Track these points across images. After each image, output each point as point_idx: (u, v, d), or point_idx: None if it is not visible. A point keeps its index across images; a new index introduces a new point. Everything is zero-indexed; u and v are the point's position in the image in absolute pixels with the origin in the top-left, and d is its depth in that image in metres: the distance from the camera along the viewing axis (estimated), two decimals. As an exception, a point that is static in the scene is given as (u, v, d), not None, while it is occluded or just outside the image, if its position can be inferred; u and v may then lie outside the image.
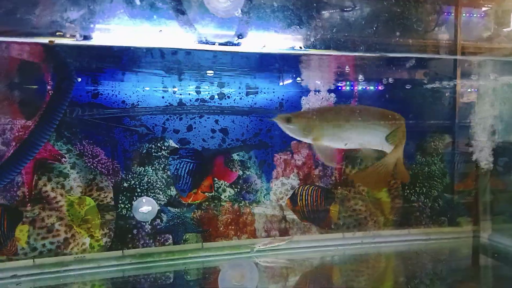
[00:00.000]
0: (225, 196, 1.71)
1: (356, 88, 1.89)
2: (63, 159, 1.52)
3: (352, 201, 1.82)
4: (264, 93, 1.77)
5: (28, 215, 1.49)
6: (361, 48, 1.68)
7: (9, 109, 1.45)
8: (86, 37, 1.30)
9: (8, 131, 1.46)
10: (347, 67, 1.85)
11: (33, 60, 1.46)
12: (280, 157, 1.78)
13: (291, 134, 1.36)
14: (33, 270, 1.48)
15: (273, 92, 1.78)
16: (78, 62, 1.43)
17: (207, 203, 1.70)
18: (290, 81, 1.79)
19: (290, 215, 1.77)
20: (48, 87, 1.50)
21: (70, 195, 1.54)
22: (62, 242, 1.52)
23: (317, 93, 1.82)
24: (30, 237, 1.49)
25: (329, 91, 1.83)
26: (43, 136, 1.24)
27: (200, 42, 1.47)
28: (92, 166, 1.56)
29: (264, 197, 1.76)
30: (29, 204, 1.49)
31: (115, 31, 1.38)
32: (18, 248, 1.47)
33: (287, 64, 1.77)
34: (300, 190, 1.79)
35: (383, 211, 1.90)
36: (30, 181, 1.47)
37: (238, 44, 1.49)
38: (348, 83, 1.86)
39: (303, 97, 1.78)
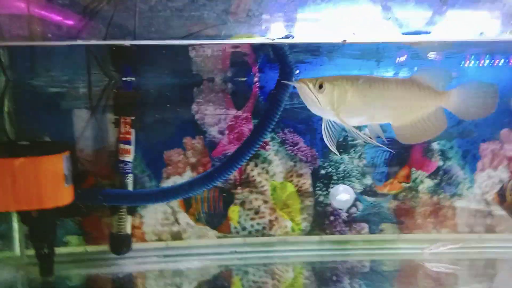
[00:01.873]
0: (423, 188, 1.63)
1: None
2: (268, 146, 1.62)
3: None
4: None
5: (238, 197, 1.64)
6: None
7: (223, 100, 1.59)
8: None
9: (222, 121, 1.60)
10: None
11: (244, 55, 1.56)
12: (487, 147, 1.62)
13: (315, 107, 1.13)
14: (245, 247, 1.64)
15: (485, 79, 1.60)
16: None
17: (404, 193, 1.64)
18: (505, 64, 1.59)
19: (498, 210, 1.61)
20: (255, 79, 1.59)
21: (273, 180, 1.64)
22: (267, 224, 1.65)
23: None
24: (241, 217, 1.64)
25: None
26: (268, 129, 1.32)
27: (405, 33, 1.39)
28: (292, 154, 1.63)
29: (467, 190, 1.62)
30: (239, 187, 1.63)
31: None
32: (231, 226, 1.65)
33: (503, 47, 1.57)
34: (510, 184, 1.61)
35: None
36: (240, 167, 1.60)
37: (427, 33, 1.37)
38: None
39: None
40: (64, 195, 1.33)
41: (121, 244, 1.51)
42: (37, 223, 1.35)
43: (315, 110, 1.14)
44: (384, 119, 1.23)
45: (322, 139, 1.63)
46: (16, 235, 1.54)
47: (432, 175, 1.64)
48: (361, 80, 1.17)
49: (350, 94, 1.13)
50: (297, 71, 1.37)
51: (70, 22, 1.33)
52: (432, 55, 1.52)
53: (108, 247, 1.52)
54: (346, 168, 1.63)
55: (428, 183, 1.64)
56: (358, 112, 1.17)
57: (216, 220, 1.63)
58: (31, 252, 1.53)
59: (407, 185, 1.64)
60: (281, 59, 1.33)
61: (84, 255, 1.58)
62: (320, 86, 1.09)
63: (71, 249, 1.59)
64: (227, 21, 1.34)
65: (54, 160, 1.29)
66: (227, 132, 1.60)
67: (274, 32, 1.36)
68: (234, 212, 1.63)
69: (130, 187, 1.50)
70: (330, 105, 1.11)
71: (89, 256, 1.59)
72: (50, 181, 1.28)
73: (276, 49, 1.34)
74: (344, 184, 1.63)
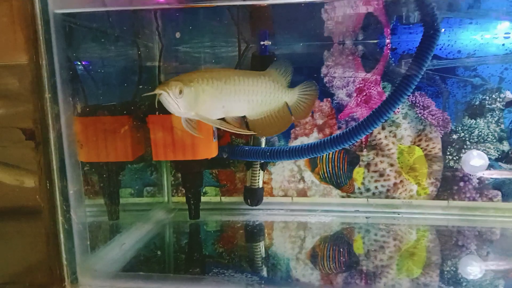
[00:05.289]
0: None
1: None
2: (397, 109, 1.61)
3: None
4: None
5: (364, 159, 1.68)
6: None
7: (353, 63, 1.61)
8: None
9: (351, 83, 1.63)
10: None
11: (377, 16, 1.55)
12: None
13: (178, 111, 1.13)
14: (368, 208, 1.69)
15: None
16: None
17: (546, 161, 1.55)
18: None
19: None
20: (387, 41, 1.58)
21: (401, 144, 1.65)
22: (391, 186, 1.67)
23: None
24: (365, 179, 1.69)
25: None
26: (409, 89, 1.32)
27: None
28: (422, 117, 1.61)
29: None
30: (365, 150, 1.67)
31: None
32: (355, 187, 1.70)
33: None
34: None
35: None
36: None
37: None
38: None
39: None
40: (212, 149, 1.49)
41: (254, 196, 1.66)
42: (188, 172, 1.55)
43: (176, 113, 1.17)
44: (240, 112, 1.26)
45: (456, 103, 1.62)
46: (165, 183, 1.78)
47: None
48: (216, 78, 1.20)
49: (207, 93, 1.17)
50: (443, 30, 1.33)
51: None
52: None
53: (242, 198, 1.69)
54: (481, 133, 1.57)
55: None
56: (215, 108, 1.21)
57: (340, 180, 1.69)
58: (176, 199, 1.76)
59: (551, 153, 1.54)
60: (427, 18, 1.29)
61: (220, 204, 1.79)
62: (180, 92, 1.12)
63: (208, 199, 1.80)
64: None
65: (206, 117, 1.45)
66: (355, 94, 1.63)
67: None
68: (358, 173, 1.67)
69: (263, 145, 1.63)
70: (189, 107, 1.14)
71: (224, 205, 1.78)
72: (203, 136, 1.45)
73: (422, 6, 1.30)
74: (478, 149, 1.58)
